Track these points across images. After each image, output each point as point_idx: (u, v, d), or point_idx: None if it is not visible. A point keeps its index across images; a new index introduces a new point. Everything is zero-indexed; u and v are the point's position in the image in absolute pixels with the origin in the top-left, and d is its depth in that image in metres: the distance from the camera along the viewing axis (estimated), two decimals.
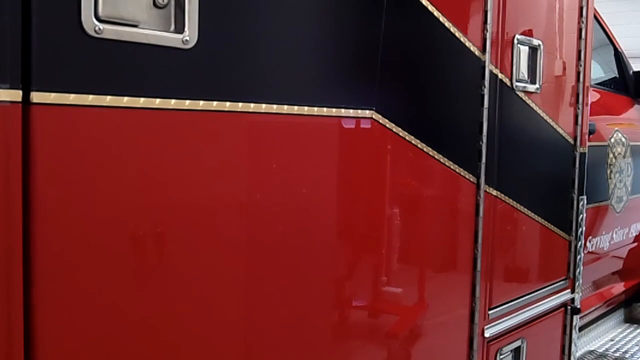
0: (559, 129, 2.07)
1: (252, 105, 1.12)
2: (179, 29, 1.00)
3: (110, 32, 0.92)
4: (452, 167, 1.61)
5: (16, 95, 0.84)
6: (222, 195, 1.10)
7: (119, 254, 0.97)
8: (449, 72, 1.64)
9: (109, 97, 0.93)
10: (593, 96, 2.90)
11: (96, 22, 0.90)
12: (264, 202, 1.18)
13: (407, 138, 1.45)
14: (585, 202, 2.32)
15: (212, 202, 1.08)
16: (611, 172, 3.12)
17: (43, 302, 0.88)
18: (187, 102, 1.02)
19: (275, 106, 1.16)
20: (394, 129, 1.41)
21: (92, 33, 0.90)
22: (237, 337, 1.17)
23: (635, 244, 3.60)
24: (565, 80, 2.16)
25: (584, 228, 2.32)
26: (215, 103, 1.06)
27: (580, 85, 2.21)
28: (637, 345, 3.27)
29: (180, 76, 1.02)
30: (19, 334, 0.86)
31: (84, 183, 0.92)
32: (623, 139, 3.25)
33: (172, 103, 1.00)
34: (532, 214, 1.99)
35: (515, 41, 1.78)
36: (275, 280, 1.20)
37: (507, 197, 1.81)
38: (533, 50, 1.79)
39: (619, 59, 3.61)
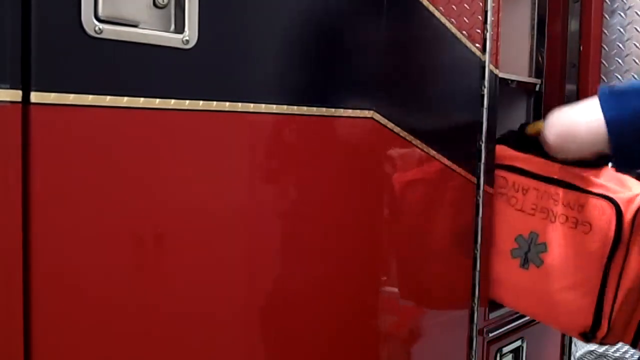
0: None
1: (252, 105, 1.12)
2: (179, 29, 1.00)
3: (110, 32, 0.92)
4: (452, 166, 1.61)
5: (16, 95, 0.84)
6: (223, 196, 1.10)
7: (119, 254, 0.97)
8: (449, 72, 1.64)
9: (108, 97, 0.93)
10: None
11: (96, 22, 0.90)
12: (265, 202, 1.18)
13: (407, 138, 1.45)
14: None
15: (212, 203, 1.08)
16: None
17: (42, 302, 0.88)
18: (187, 102, 1.02)
19: (275, 106, 1.16)
20: (395, 130, 1.41)
21: (92, 33, 0.90)
22: (238, 339, 1.17)
23: None
24: None
25: None
26: (215, 103, 1.06)
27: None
28: None
29: (180, 76, 1.02)
30: (19, 335, 0.86)
31: (84, 183, 0.92)
32: None
33: (172, 103, 1.00)
34: None
35: None
36: (277, 283, 1.21)
37: None
38: None
39: None
